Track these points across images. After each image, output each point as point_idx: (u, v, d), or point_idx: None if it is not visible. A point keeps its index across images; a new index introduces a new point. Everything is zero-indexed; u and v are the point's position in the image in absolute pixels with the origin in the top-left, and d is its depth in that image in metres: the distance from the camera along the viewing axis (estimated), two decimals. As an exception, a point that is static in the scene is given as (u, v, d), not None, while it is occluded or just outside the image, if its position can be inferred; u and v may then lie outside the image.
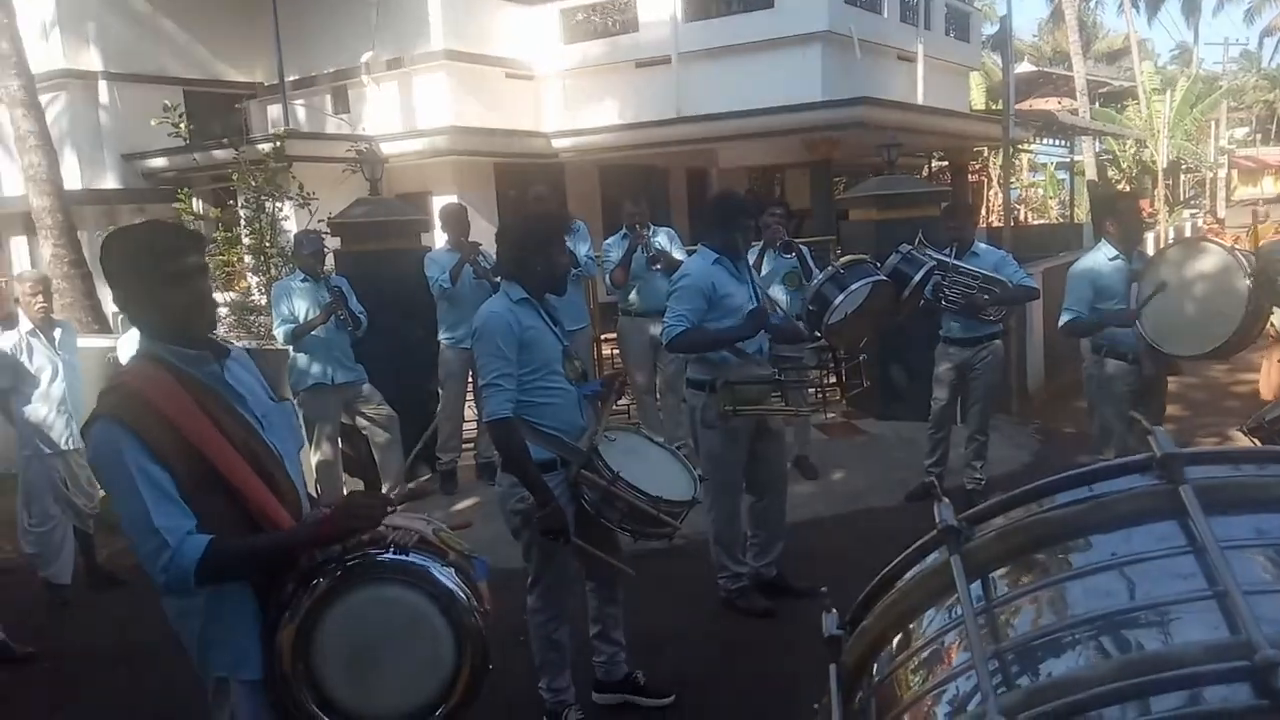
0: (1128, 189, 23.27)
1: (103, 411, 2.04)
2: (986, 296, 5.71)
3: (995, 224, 18.94)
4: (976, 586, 1.13)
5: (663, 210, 12.21)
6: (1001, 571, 1.15)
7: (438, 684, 2.07)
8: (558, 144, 12.67)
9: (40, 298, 5.39)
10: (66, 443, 5.42)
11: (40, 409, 5.33)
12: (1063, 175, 25.55)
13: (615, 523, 3.42)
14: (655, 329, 6.51)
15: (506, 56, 12.77)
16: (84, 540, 5.77)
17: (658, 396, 7.26)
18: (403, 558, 2.08)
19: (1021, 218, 24.54)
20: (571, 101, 12.90)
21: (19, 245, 13.48)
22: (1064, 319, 5.21)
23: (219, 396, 2.16)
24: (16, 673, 4.71)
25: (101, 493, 6.19)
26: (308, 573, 2.10)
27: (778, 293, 6.13)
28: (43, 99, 10.23)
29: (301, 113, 12.98)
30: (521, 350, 3.40)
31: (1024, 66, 26.08)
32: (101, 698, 4.43)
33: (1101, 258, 5.17)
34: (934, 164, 18.10)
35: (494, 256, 6.51)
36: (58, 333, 5.46)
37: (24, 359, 5.29)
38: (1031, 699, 0.94)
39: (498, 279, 6.33)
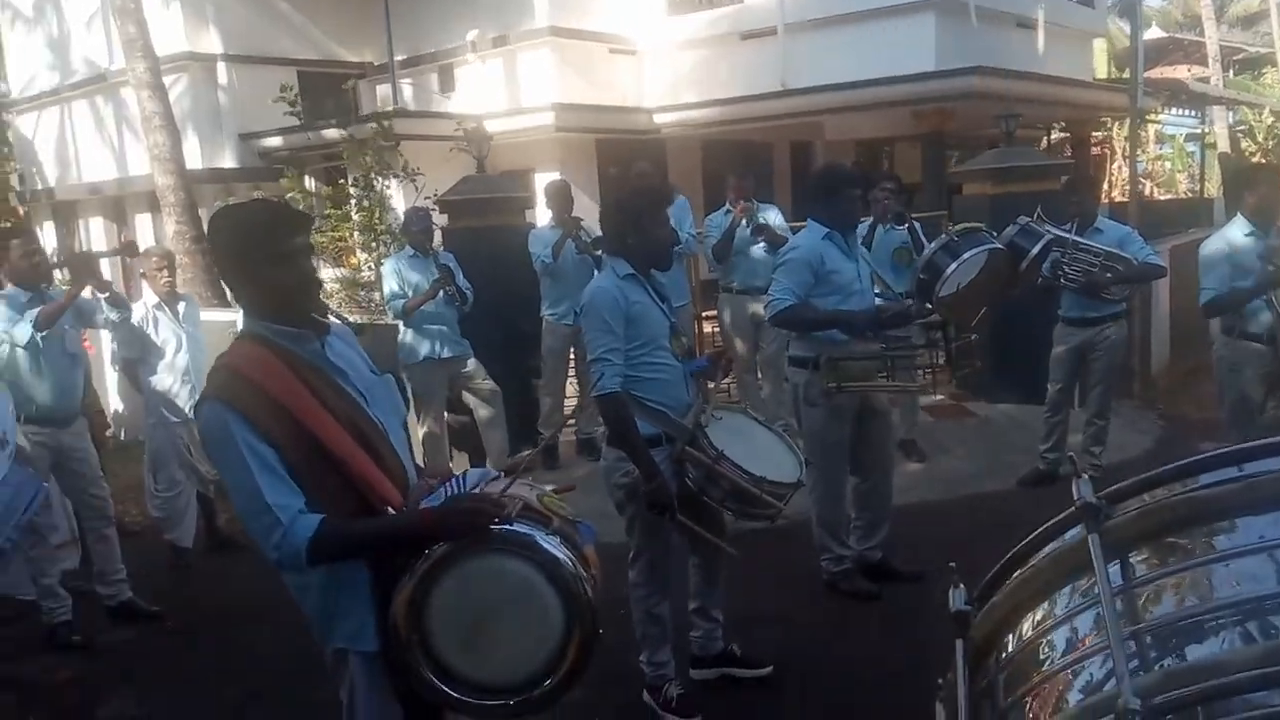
0: (1264, 161, 21.97)
1: (210, 393, 2.08)
2: (1109, 275, 5.46)
3: (1119, 199, 18.12)
4: (1115, 566, 1.08)
5: (766, 185, 12.04)
6: (1141, 552, 1.10)
7: (549, 652, 2.07)
8: (660, 119, 12.60)
9: (165, 273, 5.63)
10: (190, 411, 5.66)
11: (166, 379, 5.57)
12: (1192, 147, 24.26)
13: (718, 501, 3.40)
14: (756, 306, 6.43)
15: (609, 32, 12.74)
16: (206, 505, 6.04)
17: (758, 375, 7.19)
18: (508, 527, 2.08)
19: (1147, 192, 23.42)
20: (675, 76, 12.80)
21: (144, 222, 14.13)
22: (1204, 298, 4.93)
23: (322, 373, 2.18)
24: (144, 630, 4.95)
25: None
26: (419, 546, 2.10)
27: (885, 272, 5.97)
28: (165, 80, 10.65)
29: (408, 91, 13.23)
30: (628, 325, 3.40)
31: (1152, 32, 24.79)
32: (222, 655, 4.62)
33: (1236, 233, 4.90)
34: (1054, 136, 17.37)
35: (596, 232, 6.55)
36: (181, 306, 5.69)
37: (150, 331, 5.54)
38: (1168, 682, 0.92)
39: (599, 253, 6.38)
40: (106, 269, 5.14)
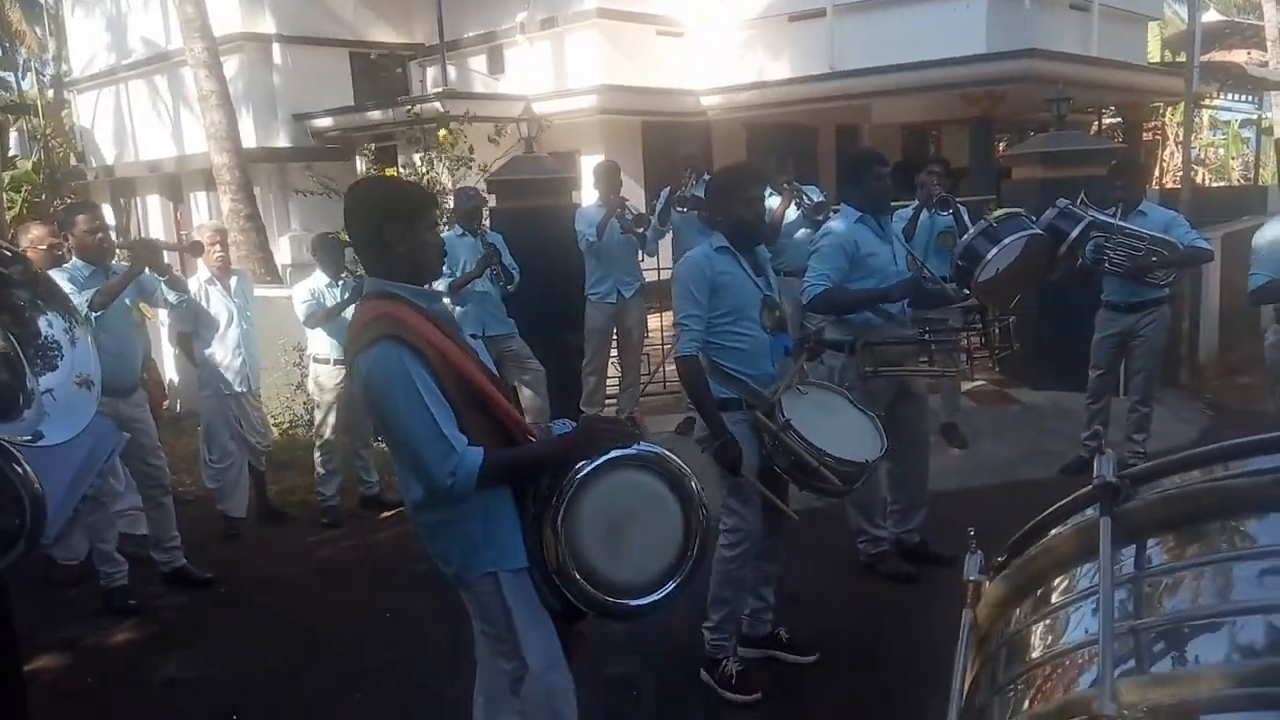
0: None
1: (383, 334, 2.25)
2: (1154, 259, 5.39)
3: (1170, 186, 17.75)
4: (1130, 552, 1.01)
5: (810, 169, 11.96)
6: (1162, 539, 1.02)
7: (674, 552, 2.37)
8: (706, 102, 12.55)
9: (218, 248, 5.73)
10: (241, 385, 5.77)
11: (218, 352, 5.69)
12: (1247, 134, 23.62)
13: (785, 470, 3.49)
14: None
15: (657, 13, 12.70)
16: (257, 477, 6.18)
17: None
18: (641, 447, 2.39)
19: (1199, 179, 22.86)
20: (722, 58, 12.73)
21: (199, 199, 14.39)
22: (1252, 283, 4.81)
23: (453, 328, 2.44)
24: (196, 596, 5.09)
25: (275, 433, 6.59)
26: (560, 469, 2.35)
27: (930, 255, 5.92)
28: (221, 60, 10.80)
29: (455, 72, 13.29)
30: (714, 295, 3.51)
31: (1209, 15, 24.12)
32: (271, 621, 4.75)
33: (1290, 220, 4.80)
34: (1105, 120, 17.03)
35: (638, 210, 6.57)
36: (234, 281, 5.80)
37: (203, 305, 5.66)
38: (1151, 689, 0.85)
39: (641, 231, 6.41)
40: (165, 253, 5.22)
